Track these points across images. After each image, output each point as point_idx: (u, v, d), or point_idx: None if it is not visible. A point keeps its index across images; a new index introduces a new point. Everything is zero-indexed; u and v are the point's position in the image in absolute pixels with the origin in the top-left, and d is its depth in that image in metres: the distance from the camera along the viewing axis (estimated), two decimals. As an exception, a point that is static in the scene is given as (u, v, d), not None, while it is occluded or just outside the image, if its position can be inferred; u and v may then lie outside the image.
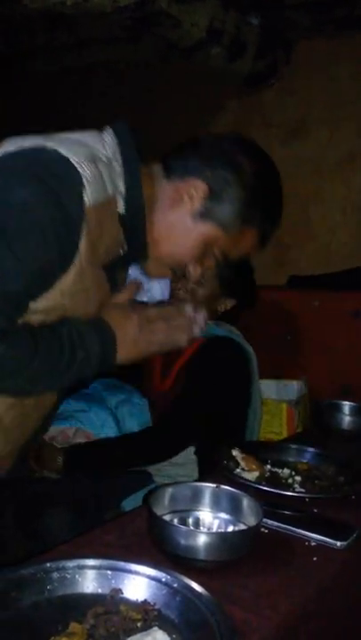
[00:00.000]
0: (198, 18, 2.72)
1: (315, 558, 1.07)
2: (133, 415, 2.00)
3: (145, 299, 1.89)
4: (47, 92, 4.17)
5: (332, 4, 2.75)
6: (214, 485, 1.14)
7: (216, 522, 1.12)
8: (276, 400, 2.33)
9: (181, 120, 3.67)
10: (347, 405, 1.89)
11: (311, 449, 1.53)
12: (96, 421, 1.95)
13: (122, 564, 0.93)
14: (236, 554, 1.00)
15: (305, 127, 3.37)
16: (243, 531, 1.01)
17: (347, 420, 1.84)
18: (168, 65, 3.48)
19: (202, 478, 1.25)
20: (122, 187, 1.10)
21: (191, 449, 1.90)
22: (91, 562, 0.92)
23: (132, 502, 1.78)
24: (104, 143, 1.12)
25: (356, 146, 3.22)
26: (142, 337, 1.15)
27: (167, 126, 3.67)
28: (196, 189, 1.14)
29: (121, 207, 1.11)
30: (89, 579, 0.91)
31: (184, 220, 1.15)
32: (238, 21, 2.92)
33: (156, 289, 2.27)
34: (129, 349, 1.14)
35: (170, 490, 1.11)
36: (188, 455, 1.90)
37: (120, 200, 1.10)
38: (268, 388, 2.34)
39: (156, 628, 0.81)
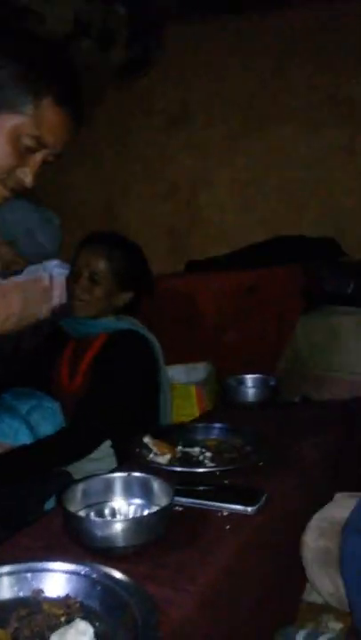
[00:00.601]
0: (63, 12, 2.71)
1: (228, 527, 1.12)
2: (46, 419, 1.98)
3: None
4: None
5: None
6: (125, 474, 1.17)
7: (131, 508, 1.14)
8: (184, 383, 2.39)
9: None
10: (250, 378, 1.97)
11: (218, 424, 1.59)
12: (9, 431, 1.92)
13: (40, 564, 0.94)
14: (152, 536, 1.03)
15: (186, 112, 3.43)
16: (155, 512, 1.04)
17: (251, 392, 1.92)
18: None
19: (112, 470, 1.27)
20: None
21: (107, 443, 1.92)
22: (6, 568, 0.92)
23: (53, 503, 1.78)
24: None
25: (236, 126, 3.31)
26: None
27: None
28: None
29: None
30: (9, 584, 0.91)
31: None
32: (104, 12, 2.93)
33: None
34: None
35: (81, 485, 1.12)
36: (105, 449, 1.92)
37: None
38: (176, 373, 2.40)
39: (78, 620, 0.83)
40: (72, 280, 2.01)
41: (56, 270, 2.29)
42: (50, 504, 1.81)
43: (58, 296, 1.22)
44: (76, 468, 1.86)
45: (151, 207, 3.54)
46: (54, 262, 2.40)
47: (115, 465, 1.88)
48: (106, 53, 3.05)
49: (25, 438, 1.93)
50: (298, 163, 3.13)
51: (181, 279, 3.06)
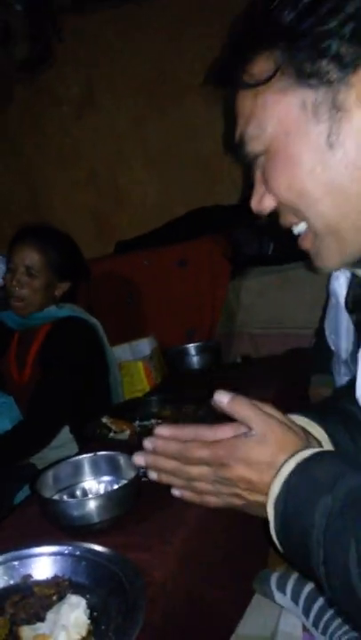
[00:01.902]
0: None
1: (193, 489, 1.17)
2: (2, 414, 1.99)
3: None
4: None
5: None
6: (92, 454, 1.20)
7: (102, 486, 1.18)
8: (132, 360, 2.43)
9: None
10: (192, 347, 2.03)
11: (169, 395, 1.64)
12: (-32, 430, 1.92)
13: (24, 551, 0.97)
14: (124, 508, 1.07)
15: (92, 99, 3.40)
16: (124, 486, 1.09)
17: (195, 359, 1.98)
18: None
19: (77, 454, 1.30)
20: None
21: (66, 429, 1.95)
22: (-5, 560, 0.95)
23: (22, 496, 1.80)
24: None
25: (143, 106, 3.31)
26: None
27: None
28: None
29: None
30: (-2, 575, 0.94)
31: None
32: (2, 10, 2.88)
33: None
34: None
35: (51, 471, 1.15)
36: (65, 436, 1.94)
37: None
38: (122, 352, 2.43)
39: (69, 595, 0.87)
40: (9, 277, 2.01)
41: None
42: (19, 497, 1.82)
43: None
44: (40, 459, 1.88)
45: (73, 194, 3.52)
46: None
47: (76, 450, 1.90)
48: (7, 50, 2.99)
49: (-16, 437, 1.93)
50: (205, 135, 3.16)
51: (113, 260, 3.08)
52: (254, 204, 0.88)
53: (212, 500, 0.88)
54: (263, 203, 0.86)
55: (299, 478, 0.75)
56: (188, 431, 0.86)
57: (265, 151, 0.83)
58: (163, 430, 0.88)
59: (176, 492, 0.90)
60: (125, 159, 3.40)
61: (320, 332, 1.89)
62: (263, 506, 0.79)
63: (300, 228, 0.85)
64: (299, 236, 0.87)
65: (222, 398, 0.83)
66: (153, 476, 0.90)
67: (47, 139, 3.52)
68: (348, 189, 0.79)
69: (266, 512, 0.78)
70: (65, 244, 2.10)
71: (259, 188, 0.87)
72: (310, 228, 0.83)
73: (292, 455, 0.77)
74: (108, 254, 3.19)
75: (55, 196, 3.56)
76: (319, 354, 1.91)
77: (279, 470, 0.77)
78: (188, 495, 0.89)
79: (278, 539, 0.77)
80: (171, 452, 0.86)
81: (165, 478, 0.90)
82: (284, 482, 0.76)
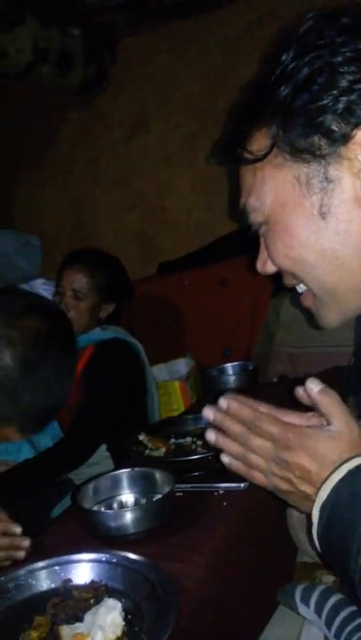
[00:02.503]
0: (23, 43, 2.74)
1: (225, 503, 1.23)
2: (45, 433, 2.06)
3: None
4: None
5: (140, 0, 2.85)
6: (129, 470, 1.27)
7: (138, 499, 1.25)
8: (168, 380, 2.48)
9: (29, 139, 3.70)
10: (229, 367, 2.07)
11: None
12: (12, 448, 1.99)
13: (65, 557, 1.04)
14: (159, 520, 1.13)
15: (143, 121, 3.47)
16: (159, 499, 1.15)
17: (232, 379, 2.01)
18: (5, 88, 3.47)
19: (116, 469, 1.38)
20: None
21: (103, 447, 2.02)
22: (39, 564, 1.03)
23: (60, 509, 1.87)
24: None
25: (192, 128, 3.34)
26: None
27: (15, 146, 3.69)
28: None
29: None
30: (41, 578, 1.02)
31: None
32: (61, 37, 2.97)
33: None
34: None
35: (92, 484, 1.23)
36: (101, 453, 2.01)
37: None
38: (160, 372, 2.49)
39: (106, 598, 0.94)
40: (58, 299, 2.11)
41: (42, 288, 2.38)
42: (57, 510, 1.89)
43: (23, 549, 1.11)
44: (77, 474, 1.96)
45: (120, 217, 3.61)
46: (39, 281, 2.50)
47: (112, 466, 1.97)
48: (63, 74, 3.09)
49: (27, 454, 2.01)
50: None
51: (154, 281, 3.15)
52: (259, 267, 0.97)
53: (259, 478, 0.87)
54: (266, 267, 0.95)
55: (355, 480, 0.74)
56: (263, 406, 0.86)
57: (265, 222, 0.90)
58: (239, 396, 0.88)
59: (226, 459, 0.89)
60: (173, 181, 3.44)
61: (359, 352, 1.90)
62: (308, 498, 0.80)
63: (300, 287, 0.93)
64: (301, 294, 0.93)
65: (314, 386, 0.83)
66: (211, 436, 0.89)
67: (96, 162, 3.62)
68: (342, 254, 0.85)
69: (307, 505, 0.79)
70: (111, 267, 2.19)
71: (263, 254, 0.96)
72: (309, 290, 0.91)
73: (357, 456, 0.77)
74: (149, 275, 3.27)
75: (102, 219, 3.66)
76: (357, 375, 1.92)
77: (339, 466, 0.76)
78: (236, 465, 0.89)
79: (318, 533, 0.77)
80: (243, 415, 0.85)
81: (222, 442, 0.89)
82: (341, 479, 0.75)
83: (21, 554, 1.10)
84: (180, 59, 3.30)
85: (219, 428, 0.89)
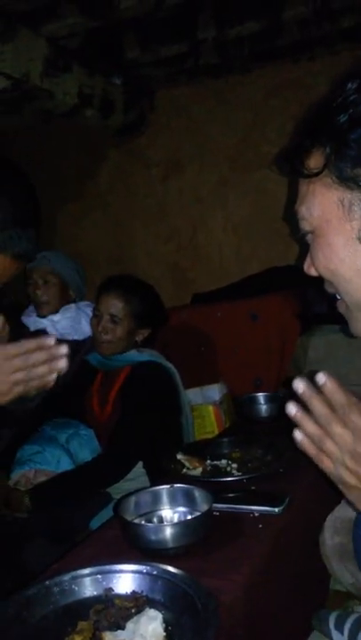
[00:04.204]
0: (69, 87, 2.87)
1: (260, 525, 1.22)
2: (83, 445, 2.08)
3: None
4: None
5: (180, 58, 2.96)
6: (168, 486, 1.27)
7: (176, 515, 1.24)
8: (203, 404, 2.48)
9: (71, 172, 3.83)
10: (261, 396, 2.08)
11: (240, 438, 1.69)
12: (52, 459, 2.01)
13: (108, 567, 1.04)
14: (197, 536, 1.12)
15: (179, 163, 3.59)
16: (198, 516, 1.14)
17: (263, 408, 2.02)
18: (51, 126, 3.61)
19: (155, 485, 1.37)
20: None
21: (139, 464, 2.01)
22: (83, 571, 1.02)
23: (98, 521, 1.86)
24: None
25: (224, 172, 3.47)
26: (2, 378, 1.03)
27: (58, 179, 3.80)
28: None
29: None
30: (84, 585, 1.01)
31: None
32: (104, 84, 3.11)
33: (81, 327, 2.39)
34: None
35: (133, 498, 1.22)
36: (138, 470, 2.01)
37: None
38: (194, 396, 2.49)
39: (147, 609, 0.93)
40: (95, 322, 2.13)
41: (89, 310, 2.42)
42: (94, 522, 1.89)
43: (61, 357, 1.06)
44: (114, 488, 1.96)
45: (156, 248, 3.69)
46: (86, 303, 2.55)
47: (147, 483, 1.96)
48: (106, 119, 3.22)
49: (66, 465, 2.03)
50: (281, 201, 3.28)
51: (189, 311, 3.17)
52: (305, 268, 1.02)
53: (327, 464, 0.85)
54: (310, 270, 1.00)
55: None
56: (356, 398, 0.83)
57: (312, 232, 0.95)
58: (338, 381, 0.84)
59: (299, 436, 0.86)
60: (205, 220, 3.55)
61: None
62: None
63: (338, 295, 0.98)
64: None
65: None
66: (291, 409, 0.85)
67: (134, 197, 3.73)
68: None
69: None
70: (147, 294, 2.21)
71: (309, 258, 1.00)
72: (343, 300, 0.96)
73: None
74: (184, 305, 3.30)
75: (139, 250, 3.74)
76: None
77: None
78: (307, 445, 0.86)
79: None
80: (335, 399, 0.82)
81: (301, 418, 0.85)
82: None
83: (63, 362, 1.04)
84: (211, 112, 3.46)
85: (302, 403, 0.84)
